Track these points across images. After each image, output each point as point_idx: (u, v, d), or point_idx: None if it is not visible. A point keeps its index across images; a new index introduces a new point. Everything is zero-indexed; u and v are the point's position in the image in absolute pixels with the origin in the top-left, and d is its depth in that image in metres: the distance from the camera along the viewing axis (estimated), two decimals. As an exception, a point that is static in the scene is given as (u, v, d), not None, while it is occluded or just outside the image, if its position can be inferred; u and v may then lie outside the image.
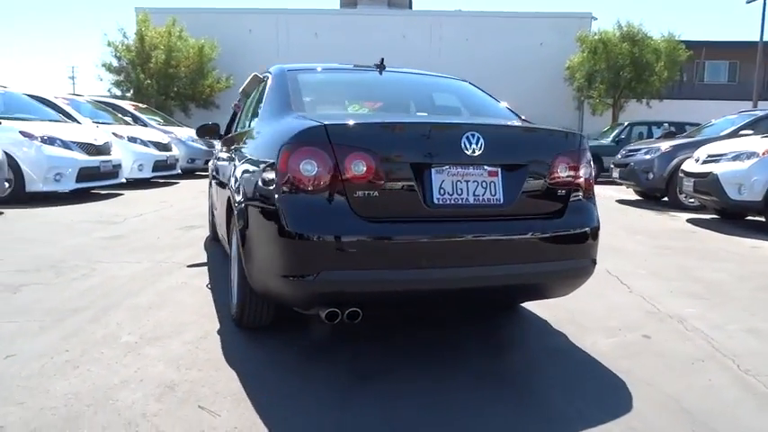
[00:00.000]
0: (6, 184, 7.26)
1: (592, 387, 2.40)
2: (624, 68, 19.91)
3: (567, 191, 2.51)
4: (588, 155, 2.64)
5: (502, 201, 2.37)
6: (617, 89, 20.60)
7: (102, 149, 8.83)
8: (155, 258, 4.53)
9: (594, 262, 2.63)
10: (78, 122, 10.17)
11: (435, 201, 2.28)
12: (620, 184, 10.65)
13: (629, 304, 3.60)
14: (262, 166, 2.50)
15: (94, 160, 8.50)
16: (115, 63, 19.83)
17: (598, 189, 3.75)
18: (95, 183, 8.70)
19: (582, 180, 2.57)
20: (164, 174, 11.36)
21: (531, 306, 3.40)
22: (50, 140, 8.09)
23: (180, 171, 12.08)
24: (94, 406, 2.08)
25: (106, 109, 12.19)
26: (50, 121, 8.96)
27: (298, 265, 2.20)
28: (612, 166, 10.52)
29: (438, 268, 2.27)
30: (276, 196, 2.26)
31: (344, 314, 2.25)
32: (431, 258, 2.27)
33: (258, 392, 2.24)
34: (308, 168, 2.19)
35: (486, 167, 2.35)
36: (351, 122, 2.39)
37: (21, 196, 7.64)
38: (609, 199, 10.09)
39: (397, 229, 2.25)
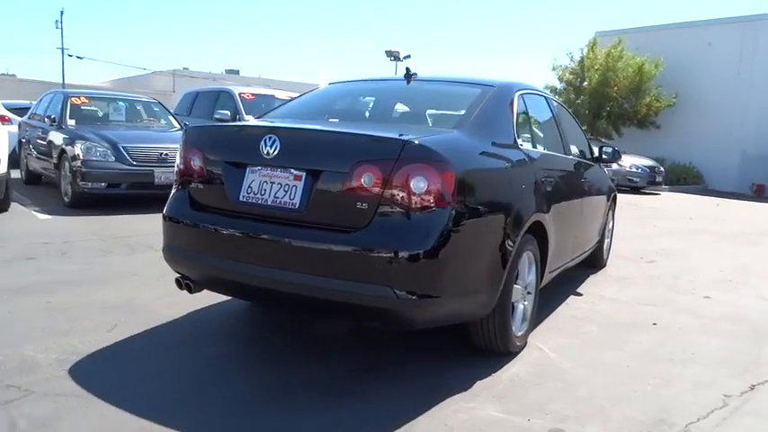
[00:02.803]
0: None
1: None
2: None
3: (370, 204, 2.21)
4: (429, 166, 2.19)
5: (297, 206, 2.34)
6: None
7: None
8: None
9: (408, 293, 2.15)
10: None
11: (240, 198, 2.46)
12: None
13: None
14: None
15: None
16: (557, 85, 21.04)
17: None
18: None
19: (400, 194, 2.19)
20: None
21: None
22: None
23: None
24: (89, 309, 3.10)
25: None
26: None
27: (163, 239, 2.76)
28: None
29: (236, 261, 2.40)
30: None
31: (183, 284, 2.65)
32: (231, 251, 2.44)
33: (163, 343, 2.75)
34: (178, 162, 2.77)
35: (292, 171, 2.38)
36: (195, 126, 2.90)
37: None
38: None
39: (207, 219, 2.55)
